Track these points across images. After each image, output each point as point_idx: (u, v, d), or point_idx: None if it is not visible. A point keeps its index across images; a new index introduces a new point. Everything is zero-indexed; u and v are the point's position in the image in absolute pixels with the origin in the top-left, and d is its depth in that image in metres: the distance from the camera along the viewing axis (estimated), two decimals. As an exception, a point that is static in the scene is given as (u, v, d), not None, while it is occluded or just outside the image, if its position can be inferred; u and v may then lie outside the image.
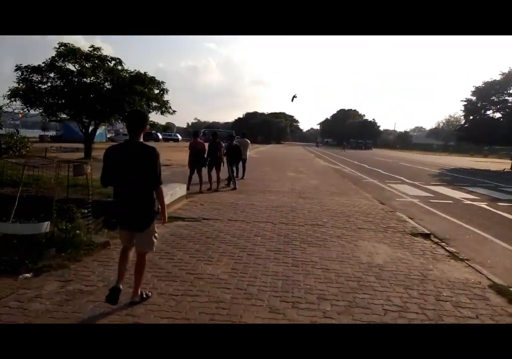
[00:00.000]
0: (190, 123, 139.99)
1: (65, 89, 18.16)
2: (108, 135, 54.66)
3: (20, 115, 27.71)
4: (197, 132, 11.27)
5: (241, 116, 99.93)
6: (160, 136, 63.25)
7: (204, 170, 10.32)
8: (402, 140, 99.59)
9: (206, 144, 10.34)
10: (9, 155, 17.56)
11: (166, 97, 20.76)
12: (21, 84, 17.20)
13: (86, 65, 18.36)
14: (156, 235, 3.31)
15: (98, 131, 45.18)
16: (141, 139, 3.09)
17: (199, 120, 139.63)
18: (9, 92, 16.45)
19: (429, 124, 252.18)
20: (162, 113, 20.90)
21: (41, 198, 5.34)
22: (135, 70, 19.15)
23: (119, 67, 18.61)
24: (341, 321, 3.18)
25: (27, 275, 3.82)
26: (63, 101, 18.02)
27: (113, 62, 18.57)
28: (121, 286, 3.14)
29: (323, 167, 21.61)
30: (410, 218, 7.82)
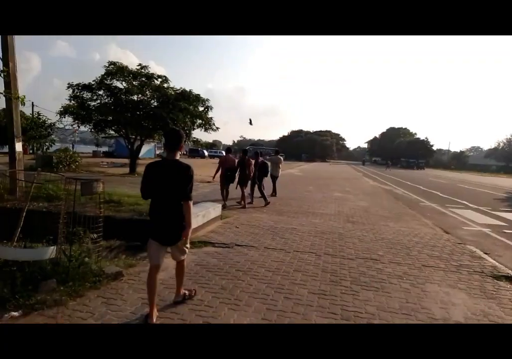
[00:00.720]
0: (235, 141, 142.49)
1: (113, 106, 18.60)
2: (157, 152, 56.63)
3: (75, 132, 29.14)
4: (230, 148, 10.93)
5: (286, 134, 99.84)
6: (206, 153, 64.45)
7: (232, 186, 9.90)
8: (458, 161, 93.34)
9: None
10: (59, 169, 18.17)
11: (210, 114, 20.65)
12: (72, 102, 17.85)
13: (134, 82, 18.74)
14: (187, 245, 3.39)
15: (147, 148, 47.09)
16: (178, 157, 3.18)
17: (244, 138, 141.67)
18: (61, 109, 17.06)
19: (487, 144, 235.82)
20: (206, 130, 20.74)
21: (52, 214, 4.76)
22: (181, 87, 19.25)
23: (165, 85, 18.78)
24: None
25: (15, 313, 3.15)
26: (111, 118, 18.42)
27: (159, 79, 18.78)
28: (154, 319, 3.13)
29: (373, 187, 20.07)
30: (486, 253, 6.41)
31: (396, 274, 4.85)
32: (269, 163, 11.58)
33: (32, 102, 17.55)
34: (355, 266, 5.10)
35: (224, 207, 8.65)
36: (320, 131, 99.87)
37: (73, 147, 43.01)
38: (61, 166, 18.80)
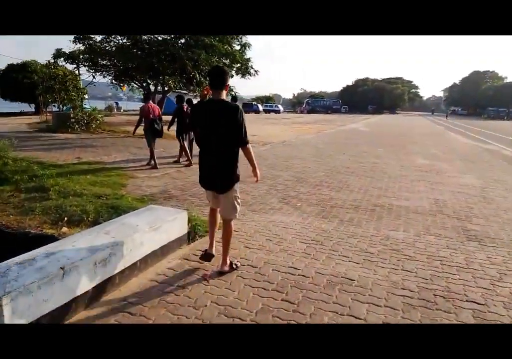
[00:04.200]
0: (295, 94, 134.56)
1: (134, 50, 14.94)
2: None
3: (123, 88, 26.37)
4: (149, 94, 9.12)
5: (350, 83, 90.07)
6: (261, 108, 59.88)
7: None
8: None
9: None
10: (75, 129, 15.38)
11: (248, 54, 16.16)
12: (78, 44, 14.44)
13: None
14: (239, 200, 3.09)
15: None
16: (224, 97, 2.87)
17: (305, 90, 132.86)
18: (54, 52, 13.74)
19: None
20: (242, 75, 16.39)
21: None
22: (208, 18, 14.76)
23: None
24: None
25: None
26: (133, 64, 14.70)
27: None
28: (213, 252, 3.21)
29: (469, 147, 14.54)
30: None
31: None
32: None
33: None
34: None
35: (152, 166, 7.80)
36: (390, 78, 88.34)
37: (117, 105, 41.15)
38: (77, 126, 15.95)
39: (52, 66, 16.19)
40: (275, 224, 4.41)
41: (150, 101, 8.03)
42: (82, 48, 14.26)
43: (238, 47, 15.88)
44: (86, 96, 31.31)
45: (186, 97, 8.84)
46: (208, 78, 2.98)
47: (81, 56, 14.19)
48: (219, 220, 3.27)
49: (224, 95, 2.87)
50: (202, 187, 3.10)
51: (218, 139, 2.81)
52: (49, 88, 16.11)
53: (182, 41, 14.49)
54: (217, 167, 2.89)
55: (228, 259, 3.13)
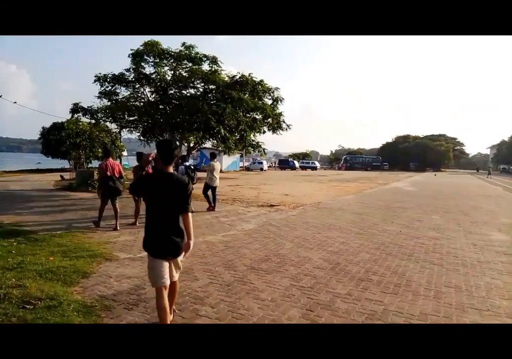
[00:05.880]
0: (333, 151, 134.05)
1: (162, 105, 14.41)
2: (244, 164, 52.92)
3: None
4: (108, 150, 8.36)
5: (389, 140, 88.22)
6: (297, 164, 58.89)
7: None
8: None
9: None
10: (94, 189, 14.50)
11: (280, 108, 15.10)
12: (103, 100, 14.07)
13: (179, 70, 14.22)
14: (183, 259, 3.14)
15: (231, 160, 43.49)
16: (172, 170, 2.98)
17: (343, 147, 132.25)
18: (72, 107, 13.27)
19: None
20: (273, 130, 15.20)
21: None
22: (238, 72, 14.08)
23: (215, 67, 13.70)
24: None
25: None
26: (161, 119, 13.98)
27: (207, 62, 13.86)
28: None
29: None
30: None
31: None
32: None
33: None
34: None
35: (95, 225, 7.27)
36: (432, 135, 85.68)
37: (120, 159, 41.21)
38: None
39: (80, 123, 15.95)
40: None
41: (110, 158, 7.55)
42: (108, 103, 13.89)
43: (269, 102, 14.94)
44: (125, 153, 31.53)
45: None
46: (156, 150, 3.03)
47: (100, 112, 13.71)
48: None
49: (171, 168, 2.97)
50: (155, 257, 2.92)
51: (167, 209, 2.89)
52: (75, 145, 15.69)
53: (209, 95, 13.79)
54: (167, 234, 2.89)
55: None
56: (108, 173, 7.20)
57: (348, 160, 68.12)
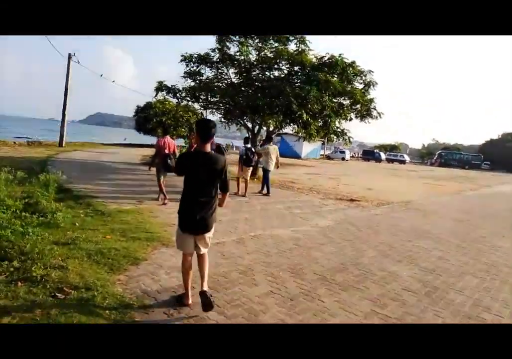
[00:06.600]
0: (425, 145, 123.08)
1: (244, 87, 13.95)
2: (325, 152, 50.96)
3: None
4: (166, 128, 9.32)
5: (494, 137, 77.55)
6: (383, 156, 54.97)
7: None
8: None
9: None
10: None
11: (371, 94, 13.54)
12: (187, 80, 14.00)
13: (265, 51, 13.50)
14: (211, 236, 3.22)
15: (311, 147, 42.08)
16: (209, 149, 3.01)
17: (437, 141, 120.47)
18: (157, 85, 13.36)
19: None
20: (362, 118, 13.75)
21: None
22: (327, 53, 12.82)
23: (302, 47, 12.64)
24: None
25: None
26: (242, 102, 13.57)
27: (294, 41, 12.83)
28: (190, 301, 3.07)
29: None
30: None
31: None
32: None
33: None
34: None
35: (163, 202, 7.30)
36: (552, 134, 73.12)
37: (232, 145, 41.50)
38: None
39: (167, 102, 16.29)
40: None
41: (167, 136, 7.84)
42: (193, 84, 13.84)
43: (360, 86, 13.47)
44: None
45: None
46: (195, 129, 3.10)
47: (183, 91, 13.70)
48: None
49: (209, 147, 3.04)
50: (185, 232, 3.07)
51: (206, 186, 3.00)
52: (160, 123, 16.12)
53: (294, 77, 12.85)
54: (204, 210, 3.00)
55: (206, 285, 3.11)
56: (166, 151, 7.34)
57: (443, 155, 61.46)
